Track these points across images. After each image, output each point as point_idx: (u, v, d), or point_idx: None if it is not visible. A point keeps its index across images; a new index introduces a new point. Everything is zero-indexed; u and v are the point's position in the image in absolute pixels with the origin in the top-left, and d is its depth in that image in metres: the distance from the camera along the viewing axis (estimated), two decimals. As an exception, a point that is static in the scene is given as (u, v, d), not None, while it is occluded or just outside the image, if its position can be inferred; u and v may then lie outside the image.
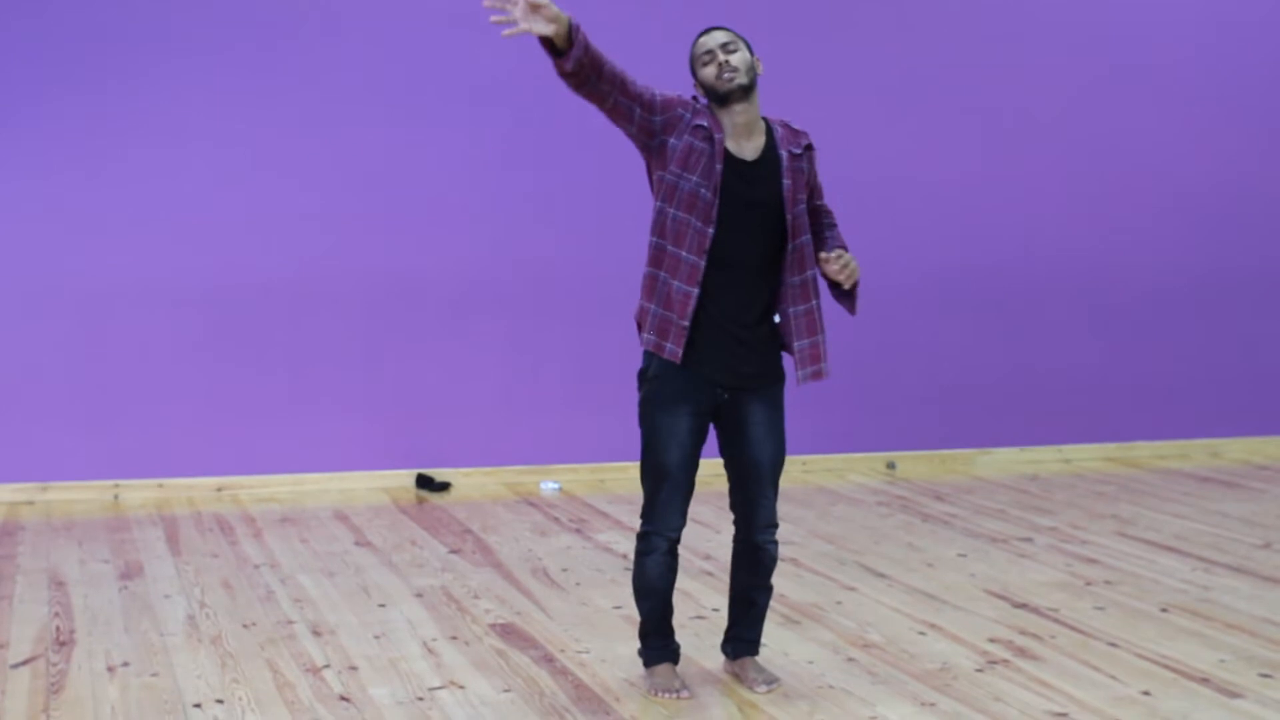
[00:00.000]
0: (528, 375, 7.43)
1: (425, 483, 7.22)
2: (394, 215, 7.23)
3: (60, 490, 6.84)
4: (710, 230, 3.99)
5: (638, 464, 4.19)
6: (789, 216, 4.08)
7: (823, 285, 4.21)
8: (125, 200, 6.88)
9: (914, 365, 8.01)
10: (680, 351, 4.02)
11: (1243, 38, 8.46)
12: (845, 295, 4.16)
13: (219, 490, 7.02)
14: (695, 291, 4.00)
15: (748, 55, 4.04)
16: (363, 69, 7.16)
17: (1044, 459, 8.20)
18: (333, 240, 7.15)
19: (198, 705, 4.08)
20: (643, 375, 4.14)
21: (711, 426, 4.19)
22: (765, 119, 4.13)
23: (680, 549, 4.36)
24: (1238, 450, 8.51)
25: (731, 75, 3.99)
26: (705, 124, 4.02)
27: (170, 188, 6.93)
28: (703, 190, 4.00)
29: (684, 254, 4.01)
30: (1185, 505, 7.05)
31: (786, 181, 4.07)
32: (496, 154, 7.34)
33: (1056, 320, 8.24)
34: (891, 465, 7.92)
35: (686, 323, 4.01)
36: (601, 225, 7.46)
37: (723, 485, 4.27)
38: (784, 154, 4.08)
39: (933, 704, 4.17)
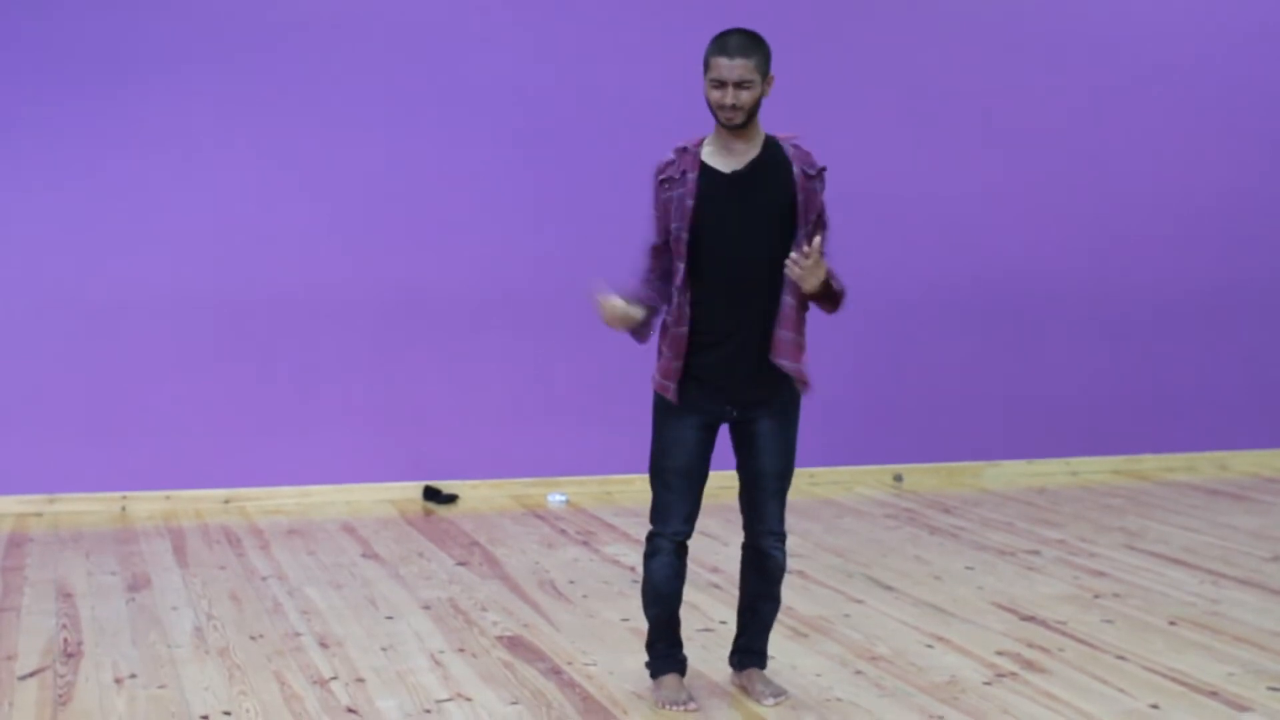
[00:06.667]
0: (535, 388, 7.43)
1: (432, 495, 7.22)
2: (402, 228, 7.23)
3: (68, 502, 6.85)
4: (685, 234, 4.01)
5: (645, 476, 4.23)
6: (800, 226, 4.04)
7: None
8: (133, 212, 6.89)
9: (921, 378, 8.00)
10: (674, 386, 4.08)
11: (1247, 51, 8.45)
12: (822, 297, 4.08)
13: (226, 502, 7.02)
14: (684, 330, 4.06)
15: (758, 89, 3.96)
16: (372, 81, 7.16)
17: (1051, 471, 8.19)
18: (340, 253, 7.15)
19: (205, 717, 4.08)
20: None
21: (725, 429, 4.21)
22: (772, 137, 4.11)
23: (688, 561, 4.36)
24: (1246, 463, 8.50)
25: (732, 116, 3.97)
26: (674, 174, 4.06)
27: (178, 199, 6.94)
28: (686, 200, 4.03)
29: (678, 270, 4.06)
30: (1193, 518, 7.04)
31: (781, 194, 4.03)
32: (506, 167, 7.35)
33: (1063, 333, 8.23)
34: (898, 478, 7.90)
35: (680, 362, 4.08)
36: (610, 239, 7.45)
37: (729, 497, 4.29)
38: (797, 171, 4.05)
39: (940, 717, 4.17)
